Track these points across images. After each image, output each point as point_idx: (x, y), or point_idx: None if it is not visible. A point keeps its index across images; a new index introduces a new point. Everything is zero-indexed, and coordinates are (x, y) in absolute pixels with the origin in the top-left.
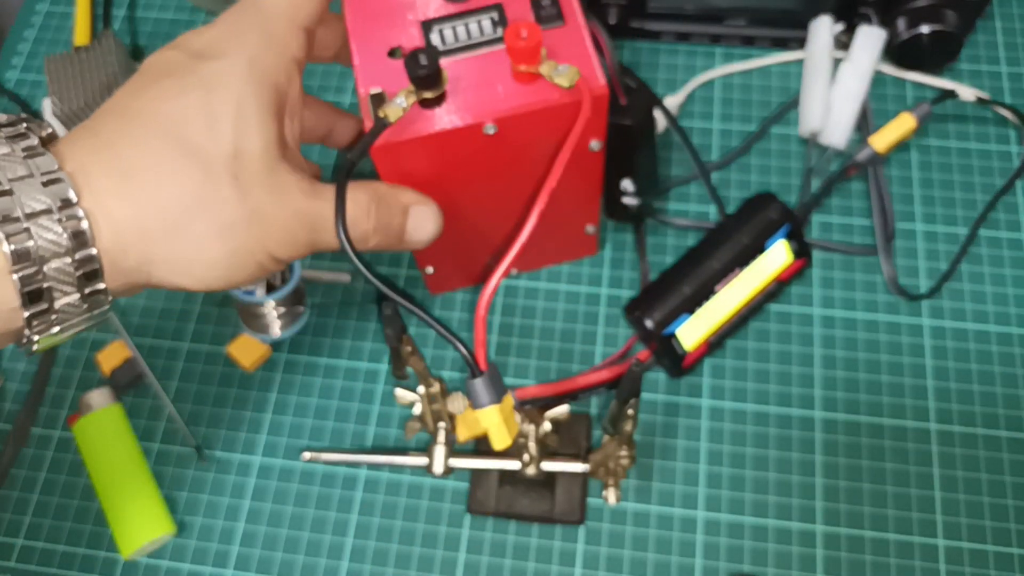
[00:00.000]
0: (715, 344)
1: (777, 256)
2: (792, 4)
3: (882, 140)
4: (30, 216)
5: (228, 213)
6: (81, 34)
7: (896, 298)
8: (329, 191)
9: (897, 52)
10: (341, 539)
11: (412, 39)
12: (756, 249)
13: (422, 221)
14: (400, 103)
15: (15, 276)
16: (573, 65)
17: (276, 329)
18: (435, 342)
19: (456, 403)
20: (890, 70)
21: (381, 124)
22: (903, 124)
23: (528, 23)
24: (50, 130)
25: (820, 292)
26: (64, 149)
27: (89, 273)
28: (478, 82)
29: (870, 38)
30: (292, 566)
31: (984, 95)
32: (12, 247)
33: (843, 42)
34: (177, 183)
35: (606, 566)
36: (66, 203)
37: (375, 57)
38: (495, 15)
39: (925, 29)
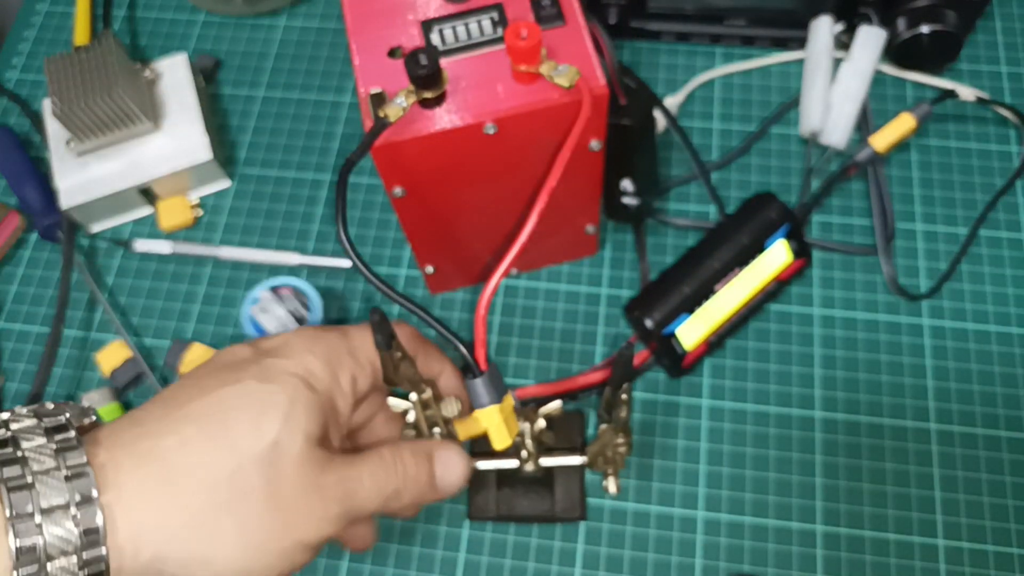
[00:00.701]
0: (715, 344)
1: (777, 256)
2: (792, 4)
3: (882, 140)
4: (45, 512)
5: (253, 508)
6: (81, 34)
7: (896, 298)
8: (362, 458)
9: (897, 52)
10: None
11: (412, 39)
12: (756, 249)
13: (450, 466)
14: (400, 103)
15: (15, 573)
16: (573, 65)
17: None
18: (434, 342)
19: (450, 407)
20: (890, 70)
21: (381, 124)
22: (903, 124)
23: (528, 23)
24: (93, 418)
25: (820, 292)
26: (103, 437)
27: (94, 574)
28: (478, 82)
29: (870, 38)
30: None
31: (984, 95)
32: (18, 543)
33: (843, 42)
34: (206, 473)
35: (606, 566)
36: (86, 499)
37: (375, 57)
38: (495, 15)
39: (925, 29)
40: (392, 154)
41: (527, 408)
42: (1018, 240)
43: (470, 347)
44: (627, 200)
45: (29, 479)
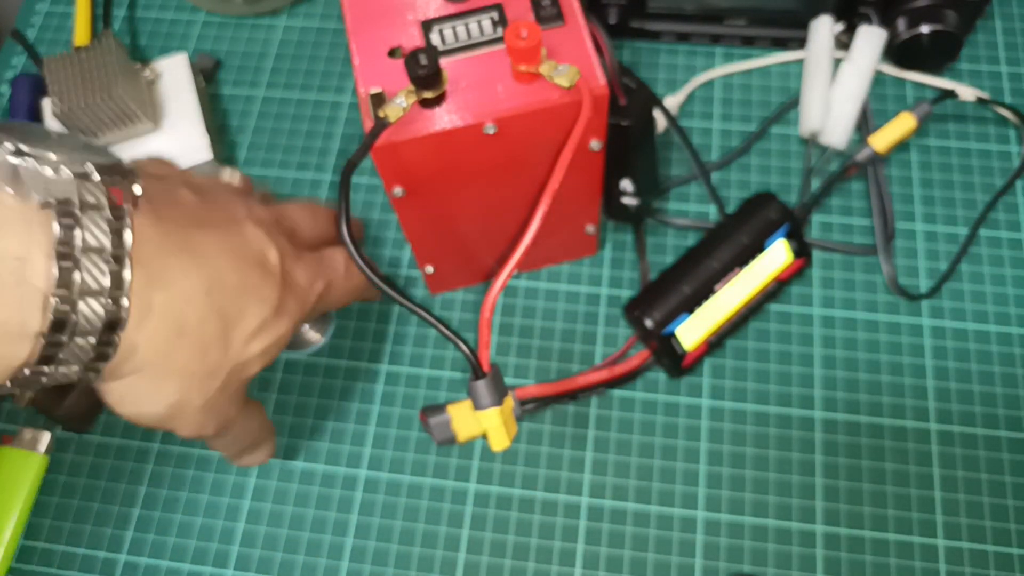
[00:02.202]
0: (715, 344)
1: (777, 256)
2: (792, 4)
3: (882, 140)
4: (85, 250)
5: (201, 396)
6: (81, 34)
7: (896, 298)
8: (246, 408)
9: (897, 52)
10: (341, 539)
11: (412, 39)
12: (756, 249)
13: (258, 456)
14: (400, 103)
15: (53, 298)
16: (573, 65)
17: (314, 337)
18: (435, 342)
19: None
20: (890, 70)
21: (381, 124)
22: (903, 124)
23: (528, 23)
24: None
25: (820, 292)
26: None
27: (101, 356)
28: (478, 82)
29: (871, 38)
30: (292, 566)
31: (984, 95)
32: (59, 267)
33: (843, 42)
34: (199, 347)
35: (606, 566)
36: (119, 254)
37: (375, 57)
38: (495, 15)
39: (925, 29)
40: (392, 154)
41: None
42: (1018, 240)
43: (473, 349)
44: (627, 200)
45: (78, 253)
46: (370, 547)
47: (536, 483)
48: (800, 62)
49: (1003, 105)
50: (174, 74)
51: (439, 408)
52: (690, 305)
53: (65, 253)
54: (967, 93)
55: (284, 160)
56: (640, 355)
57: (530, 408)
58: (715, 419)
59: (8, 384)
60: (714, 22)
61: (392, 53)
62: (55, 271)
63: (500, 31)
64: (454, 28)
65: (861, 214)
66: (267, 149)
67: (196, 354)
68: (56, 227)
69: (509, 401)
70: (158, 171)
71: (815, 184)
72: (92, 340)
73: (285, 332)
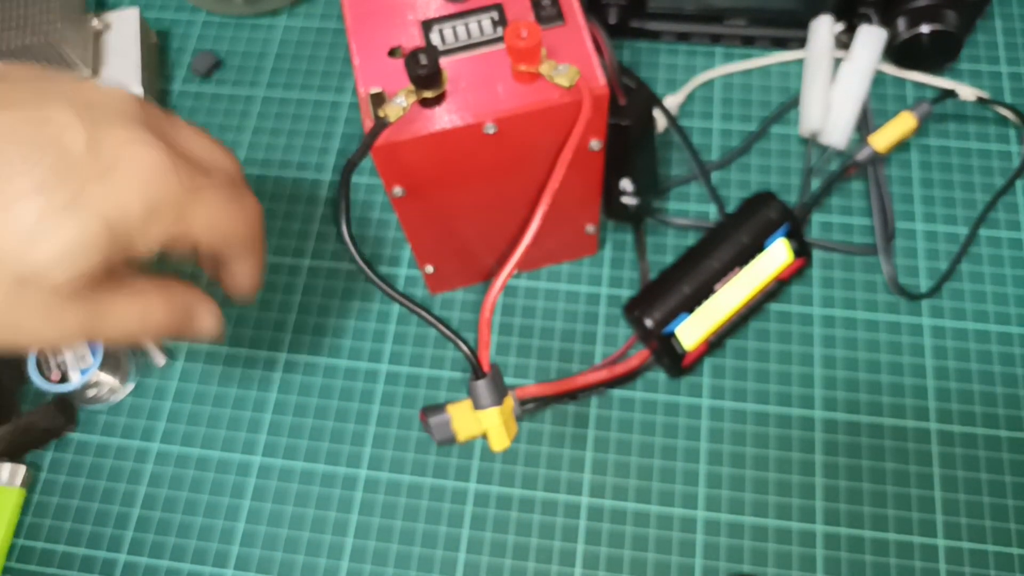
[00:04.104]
0: (715, 344)
1: (777, 255)
2: (792, 4)
3: (882, 139)
4: None
5: None
6: None
7: (896, 298)
8: (120, 302)
9: (897, 52)
10: (341, 539)
11: (412, 39)
12: (756, 248)
13: (203, 319)
14: (400, 103)
15: None
16: (573, 65)
17: (108, 380)
18: (435, 342)
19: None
20: (890, 70)
21: (381, 124)
22: (903, 123)
23: (528, 23)
24: None
25: (820, 292)
26: None
27: None
28: (478, 82)
29: (871, 38)
30: (292, 566)
31: (984, 95)
32: None
33: (843, 42)
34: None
35: (606, 566)
36: None
37: (375, 57)
38: (495, 15)
39: (925, 29)
40: (392, 154)
41: None
42: (1018, 240)
43: (473, 349)
44: (627, 200)
45: None
46: (370, 547)
47: (536, 483)
48: (800, 62)
49: (1003, 105)
50: (123, 27)
51: (439, 408)
52: (690, 305)
53: None
54: (967, 93)
55: (284, 160)
56: (640, 355)
57: (530, 408)
58: (715, 419)
59: None
60: (714, 22)
61: (392, 53)
62: None
63: (500, 31)
64: (454, 28)
65: (861, 214)
66: (267, 149)
67: None
68: None
69: (509, 401)
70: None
71: (815, 184)
72: None
73: (88, 232)
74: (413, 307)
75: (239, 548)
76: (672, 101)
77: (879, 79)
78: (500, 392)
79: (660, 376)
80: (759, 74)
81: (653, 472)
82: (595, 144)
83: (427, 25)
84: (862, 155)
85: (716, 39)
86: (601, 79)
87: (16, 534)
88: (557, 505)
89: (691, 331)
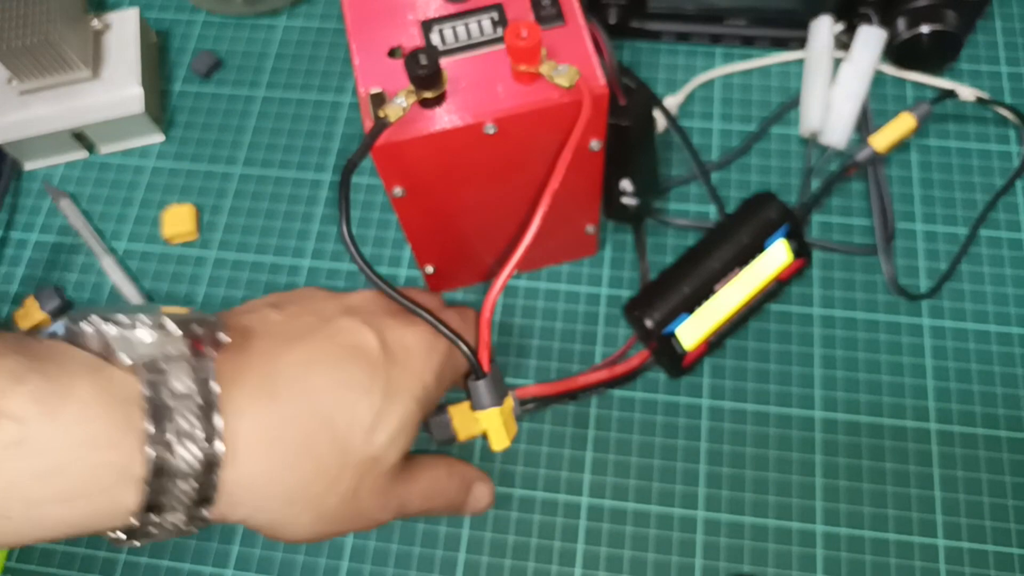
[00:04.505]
0: (715, 344)
1: (777, 255)
2: (792, 4)
3: (882, 140)
4: (179, 434)
5: (334, 501)
6: None
7: (896, 298)
8: (419, 475)
9: (897, 52)
10: (341, 539)
11: (412, 39)
12: (756, 248)
13: (480, 498)
14: (400, 103)
15: (147, 486)
16: (573, 65)
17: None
18: None
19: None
20: (890, 70)
21: (381, 124)
22: (903, 124)
23: (528, 23)
24: (227, 341)
25: (820, 292)
26: (228, 371)
27: (204, 498)
28: (478, 82)
29: (871, 38)
30: (292, 566)
31: (984, 95)
32: (154, 455)
33: (843, 42)
34: (311, 455)
35: (606, 566)
36: (212, 432)
37: (375, 57)
38: (495, 15)
39: (925, 29)
40: (392, 154)
41: None
42: (1018, 240)
43: (473, 349)
44: (627, 200)
45: (170, 403)
46: (370, 547)
47: (536, 483)
48: (800, 62)
49: (1003, 105)
50: (123, 27)
51: (439, 408)
52: (690, 305)
53: (156, 404)
54: (967, 93)
55: (284, 160)
56: (640, 355)
57: (530, 408)
58: (715, 419)
59: (123, 536)
60: (714, 22)
61: (392, 53)
62: (149, 426)
63: (500, 31)
64: (454, 28)
65: (861, 214)
66: (267, 149)
67: (311, 471)
68: (145, 386)
69: (509, 401)
70: (244, 307)
71: (815, 184)
72: (193, 483)
73: (407, 413)
74: (413, 307)
75: (239, 548)
76: (672, 101)
77: (879, 79)
78: (500, 392)
79: (660, 376)
80: (759, 74)
81: (653, 472)
82: (595, 144)
83: (427, 25)
84: (862, 155)
85: (716, 39)
86: (601, 79)
87: None
88: (557, 505)
89: (691, 331)
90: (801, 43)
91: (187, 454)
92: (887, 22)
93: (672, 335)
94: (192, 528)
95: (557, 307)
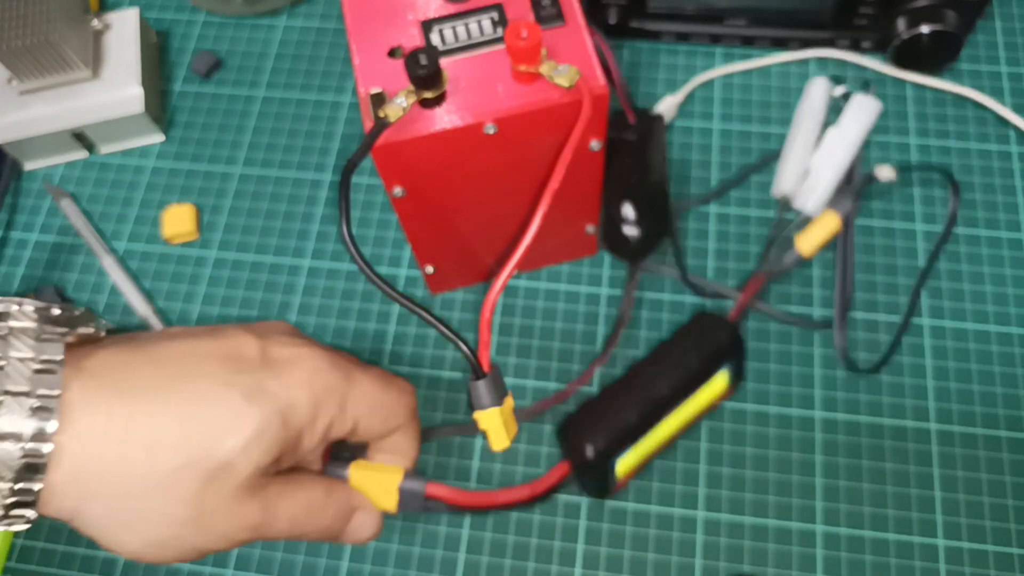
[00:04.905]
0: (642, 468)
1: (718, 383)
2: (792, 4)
3: (808, 243)
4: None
5: (176, 509)
6: None
7: (895, 298)
8: (287, 494)
9: (897, 52)
10: None
11: (412, 39)
12: (704, 377)
13: (363, 528)
14: (400, 103)
15: None
16: (573, 65)
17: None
18: (435, 342)
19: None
20: (890, 70)
21: (381, 124)
22: (828, 224)
23: (528, 23)
24: (101, 332)
25: (819, 292)
26: (87, 367)
27: (22, 503)
28: (478, 82)
29: (863, 107)
30: (292, 566)
31: (893, 173)
32: None
33: (845, 42)
34: (154, 460)
35: (606, 566)
36: (41, 432)
37: (375, 57)
38: (495, 15)
39: (925, 29)
40: (392, 154)
41: None
42: (1018, 240)
43: (473, 349)
44: (628, 230)
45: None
46: (370, 547)
47: None
48: (800, 62)
49: (924, 168)
50: (123, 27)
51: (343, 462)
52: (634, 435)
53: None
54: (886, 172)
55: (284, 160)
56: (558, 470)
57: (435, 507)
58: (715, 419)
59: None
60: (714, 22)
61: (392, 53)
62: None
63: (500, 31)
64: (454, 28)
65: (822, 284)
66: (267, 149)
67: (147, 469)
68: None
69: (509, 401)
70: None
71: (771, 256)
72: (9, 484)
73: (266, 421)
74: (413, 307)
75: (239, 547)
76: (672, 101)
77: (879, 79)
78: (500, 392)
79: None
80: (759, 74)
81: (653, 472)
82: (595, 144)
83: (427, 25)
84: (789, 259)
85: (716, 39)
86: (601, 79)
87: (16, 534)
88: (557, 505)
89: (627, 459)
90: (801, 43)
91: (4, 452)
92: (887, 22)
93: (610, 464)
94: (10, 524)
95: (557, 307)
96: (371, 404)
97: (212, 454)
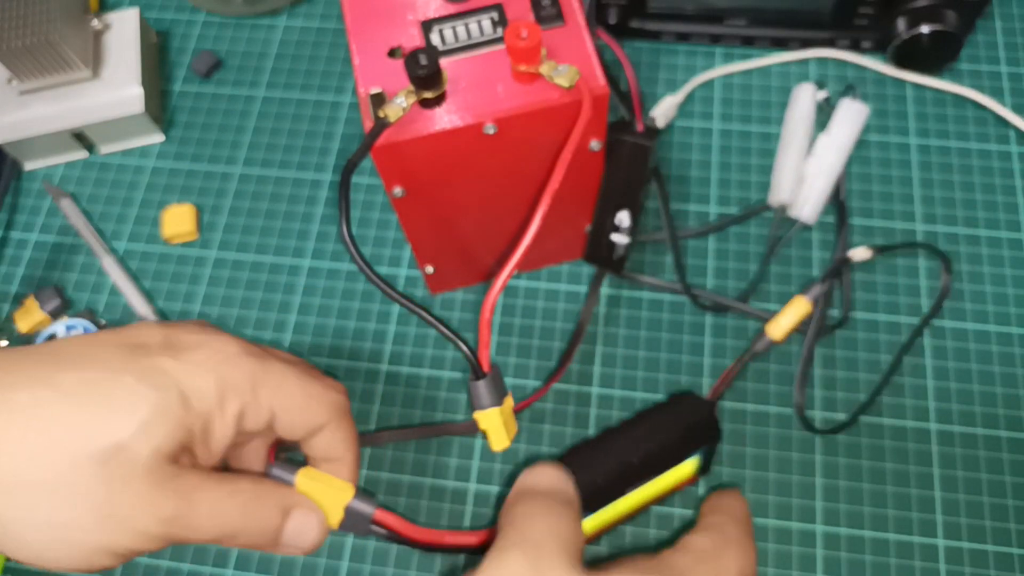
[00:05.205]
0: (607, 531)
1: (687, 467)
2: (792, 4)
3: (778, 328)
4: None
5: (73, 501)
6: None
7: (896, 297)
8: (210, 487)
9: (897, 52)
10: (341, 539)
11: (412, 39)
12: (678, 458)
13: (303, 530)
14: (400, 103)
15: None
16: (573, 65)
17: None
18: (435, 342)
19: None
20: (890, 70)
21: (381, 124)
22: (799, 309)
23: (528, 23)
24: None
25: None
26: None
27: None
28: (478, 82)
29: (851, 113)
30: (292, 566)
31: (869, 253)
32: None
33: (844, 43)
34: (43, 449)
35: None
36: None
37: (375, 57)
38: (495, 15)
39: (925, 29)
40: (392, 154)
41: None
42: (1018, 240)
43: (473, 349)
44: (617, 238)
45: None
46: (370, 546)
47: None
48: (800, 62)
49: (910, 245)
50: (123, 27)
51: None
52: (601, 502)
53: None
54: (861, 253)
55: (284, 160)
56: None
57: (380, 533)
58: None
59: None
60: (714, 22)
61: (392, 53)
62: None
63: (500, 31)
64: (454, 28)
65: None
66: (267, 149)
67: (42, 456)
68: None
69: (509, 401)
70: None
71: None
72: None
73: (165, 401)
74: (413, 307)
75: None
76: (672, 101)
77: (879, 80)
78: (500, 392)
79: (655, 375)
80: (759, 74)
81: None
82: (595, 144)
83: (427, 25)
84: (760, 344)
85: (716, 39)
86: (601, 79)
87: None
88: None
89: (589, 522)
90: (801, 43)
91: None
92: (887, 22)
93: None
94: None
95: (557, 307)
96: (288, 392)
97: (102, 438)
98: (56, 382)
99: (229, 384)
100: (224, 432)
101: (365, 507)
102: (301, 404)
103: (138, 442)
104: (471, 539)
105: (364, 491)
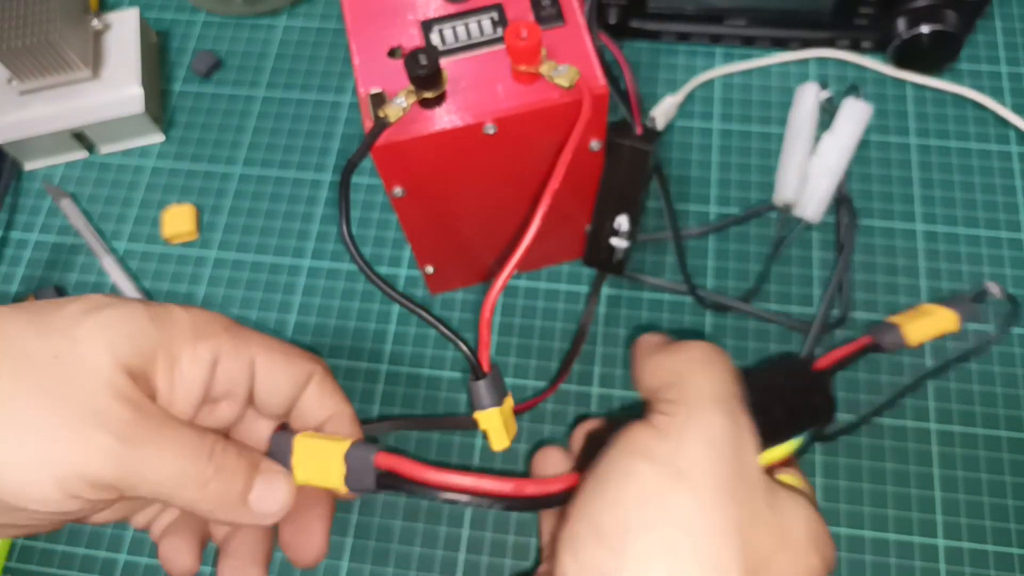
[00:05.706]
0: None
1: (784, 449)
2: (792, 4)
3: (916, 334)
4: None
5: (40, 397)
6: None
7: (896, 298)
8: (177, 431)
9: (897, 52)
10: (341, 539)
11: (412, 39)
12: (778, 440)
13: (272, 490)
14: (400, 103)
15: None
16: (573, 65)
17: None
18: (435, 342)
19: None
20: (890, 70)
21: (381, 124)
22: (944, 325)
23: (528, 23)
24: None
25: (818, 294)
26: None
27: None
28: (478, 82)
29: (855, 112)
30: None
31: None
32: None
33: (846, 43)
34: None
35: None
36: None
37: (375, 57)
38: (495, 15)
39: (925, 29)
40: (392, 154)
41: None
42: (1018, 240)
43: (473, 349)
44: (617, 242)
45: None
46: (370, 547)
47: None
48: (800, 62)
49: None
50: (123, 27)
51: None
52: None
53: None
54: (994, 289)
55: (284, 160)
56: (564, 480)
57: (393, 483)
58: None
59: None
60: (714, 22)
61: (392, 53)
62: None
63: (500, 31)
64: (454, 28)
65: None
66: (267, 149)
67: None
68: None
69: (509, 401)
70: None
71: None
72: None
73: (128, 309)
74: (413, 307)
75: None
76: (672, 101)
77: (879, 80)
78: (500, 392)
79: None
80: (759, 74)
81: None
82: (595, 144)
83: (427, 25)
84: (888, 340)
85: (716, 39)
86: (601, 79)
87: None
88: None
89: None
90: (801, 43)
91: None
92: (887, 22)
93: None
94: None
95: (557, 307)
96: (268, 345)
97: (56, 337)
98: (23, 307)
99: (203, 324)
100: (194, 371)
101: (364, 451)
102: (282, 360)
103: (92, 338)
104: (505, 488)
105: (367, 441)
